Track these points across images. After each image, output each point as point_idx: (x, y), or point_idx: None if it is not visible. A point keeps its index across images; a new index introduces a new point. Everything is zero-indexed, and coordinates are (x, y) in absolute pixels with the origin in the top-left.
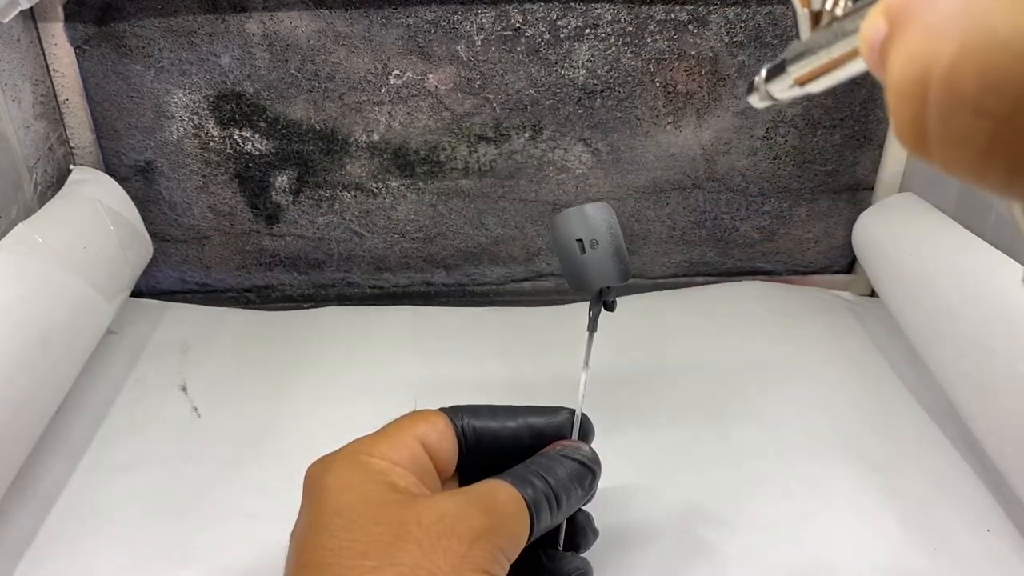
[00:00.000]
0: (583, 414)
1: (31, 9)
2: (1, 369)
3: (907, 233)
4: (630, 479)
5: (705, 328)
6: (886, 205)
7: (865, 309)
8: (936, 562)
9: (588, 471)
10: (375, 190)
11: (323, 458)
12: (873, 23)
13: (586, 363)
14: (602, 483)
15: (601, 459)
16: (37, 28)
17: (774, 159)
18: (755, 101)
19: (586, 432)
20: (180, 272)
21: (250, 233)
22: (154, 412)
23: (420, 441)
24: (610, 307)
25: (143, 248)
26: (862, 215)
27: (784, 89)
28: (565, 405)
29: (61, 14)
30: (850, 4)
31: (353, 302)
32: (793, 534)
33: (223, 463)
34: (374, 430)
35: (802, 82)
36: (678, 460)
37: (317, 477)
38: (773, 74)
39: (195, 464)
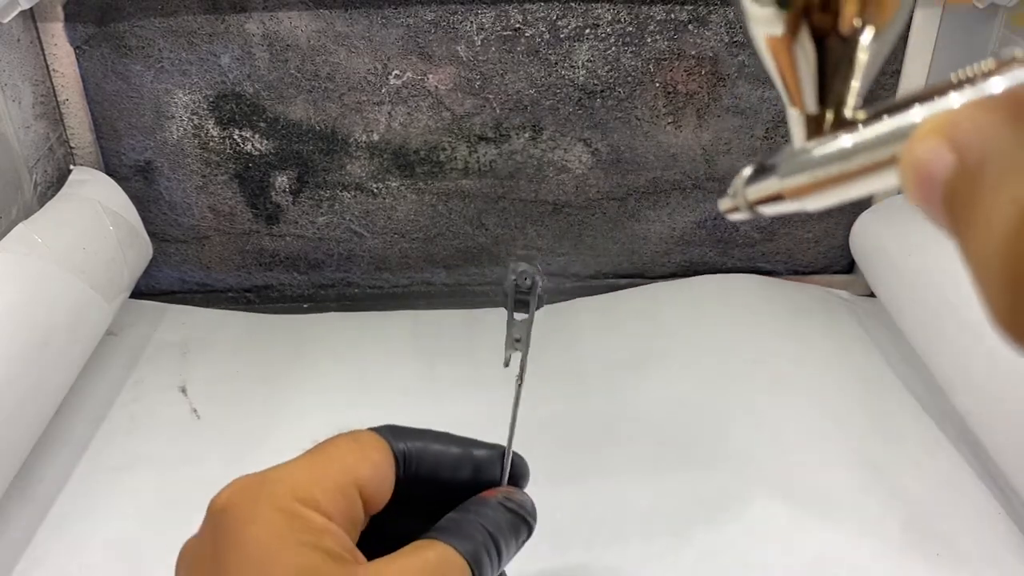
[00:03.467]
0: (520, 456)
1: (31, 9)
2: (1, 369)
3: (906, 233)
4: (627, 477)
5: (704, 322)
6: (885, 206)
7: (864, 309)
8: (938, 566)
9: (526, 526)
10: (375, 190)
11: (244, 488)
12: (930, 148)
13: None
14: (597, 480)
15: (597, 456)
16: (37, 28)
17: None
18: (734, 214)
19: (523, 475)
20: (180, 272)
21: (250, 233)
22: (153, 413)
23: (359, 489)
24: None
25: (143, 249)
26: (861, 216)
27: (771, 203)
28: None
29: (61, 14)
30: (860, 109)
31: (353, 302)
32: (792, 536)
33: (222, 464)
34: (306, 454)
35: (797, 196)
36: (676, 458)
37: (238, 524)
38: (757, 181)
39: (194, 465)
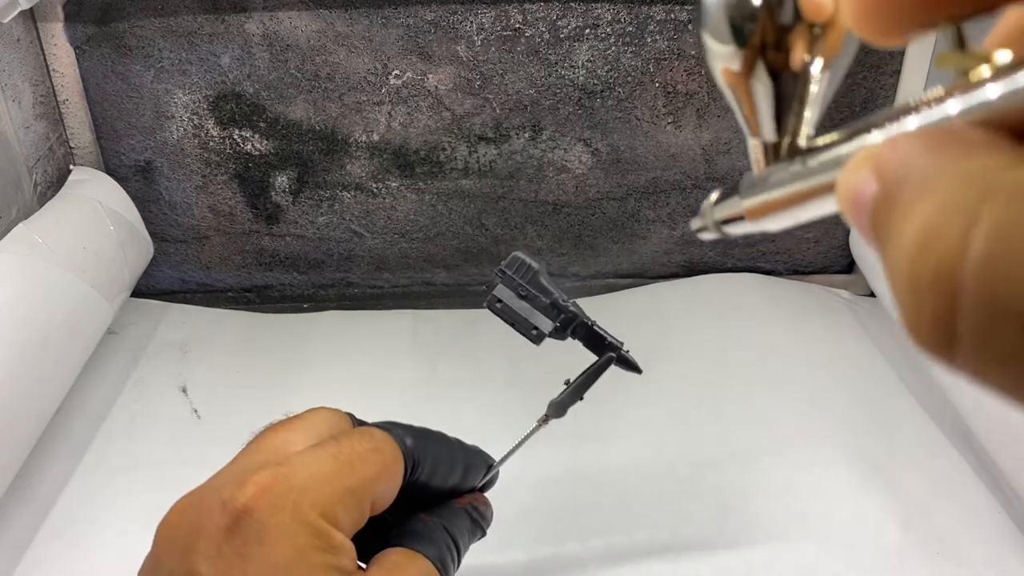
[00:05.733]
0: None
1: (31, 9)
2: (1, 369)
3: None
4: (627, 477)
5: (704, 322)
6: None
7: (864, 309)
8: (938, 566)
9: (481, 531)
10: (375, 190)
11: (268, 490)
12: (857, 177)
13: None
14: (597, 480)
15: (597, 456)
16: (37, 28)
17: None
18: (703, 234)
19: (491, 482)
20: (180, 272)
21: (250, 233)
22: (154, 413)
23: (372, 501)
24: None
25: (143, 248)
26: None
27: (735, 223)
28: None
29: (61, 14)
30: (813, 137)
31: (353, 302)
32: (792, 536)
33: (223, 465)
34: (329, 455)
35: (755, 217)
36: (676, 458)
37: (262, 531)
38: (723, 202)
39: (195, 466)
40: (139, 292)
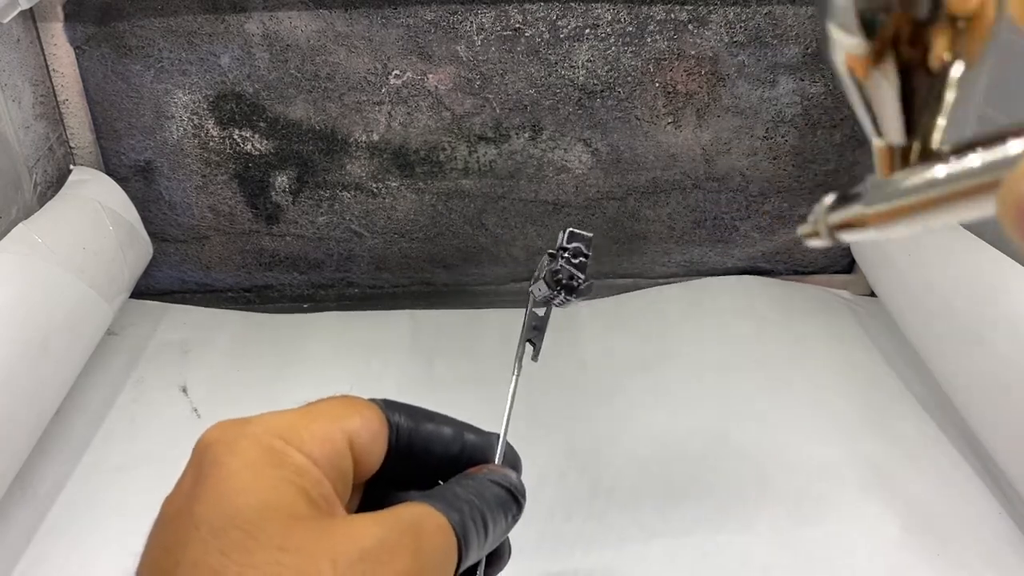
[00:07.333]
0: (512, 447)
1: (31, 9)
2: (1, 369)
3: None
4: (628, 478)
5: (704, 324)
6: None
7: (864, 309)
8: (938, 566)
9: (515, 502)
10: (375, 190)
11: (228, 426)
12: None
13: (512, 396)
14: (599, 481)
15: (599, 457)
16: (37, 28)
17: (774, 159)
18: (813, 240)
19: (513, 464)
20: (180, 272)
21: (250, 233)
22: (154, 413)
23: (349, 440)
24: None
25: (142, 249)
26: None
27: (852, 230)
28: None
29: (61, 14)
30: (945, 141)
31: (353, 302)
32: (792, 536)
33: None
34: (296, 406)
35: (882, 223)
36: (677, 459)
37: (217, 455)
38: (840, 208)
39: None
40: (139, 292)
